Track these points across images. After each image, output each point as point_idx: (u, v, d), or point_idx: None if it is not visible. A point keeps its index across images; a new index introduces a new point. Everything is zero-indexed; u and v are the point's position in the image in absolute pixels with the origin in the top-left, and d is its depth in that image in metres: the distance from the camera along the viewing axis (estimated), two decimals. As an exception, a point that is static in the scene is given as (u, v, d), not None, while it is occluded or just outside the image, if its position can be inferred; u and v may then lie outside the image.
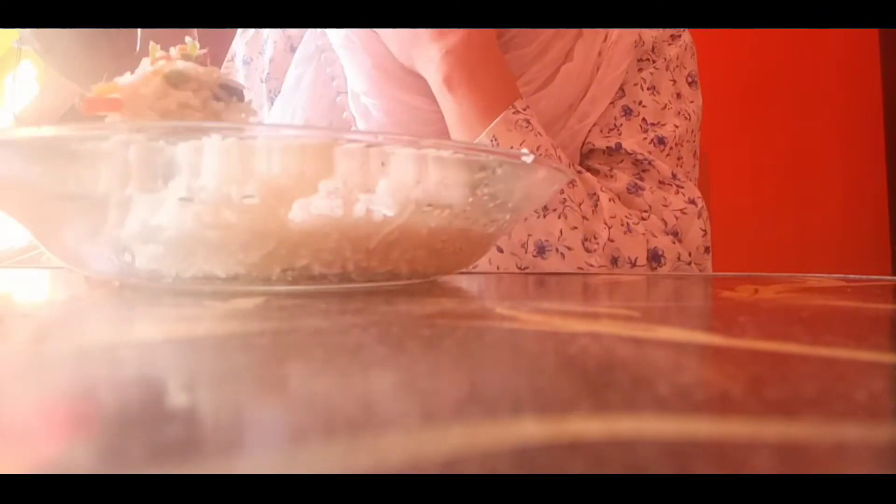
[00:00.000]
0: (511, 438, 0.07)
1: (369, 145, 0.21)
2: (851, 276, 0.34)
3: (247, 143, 0.20)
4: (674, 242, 0.51)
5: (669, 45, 0.59)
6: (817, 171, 1.53)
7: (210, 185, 0.20)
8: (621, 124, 0.56)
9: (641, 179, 0.54)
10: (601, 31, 0.57)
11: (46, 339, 0.14)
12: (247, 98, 0.29)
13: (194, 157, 0.20)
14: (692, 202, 0.53)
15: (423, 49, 0.51)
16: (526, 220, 0.47)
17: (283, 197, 0.20)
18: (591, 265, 0.48)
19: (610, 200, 0.50)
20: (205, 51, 0.29)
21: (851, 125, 1.54)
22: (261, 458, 0.07)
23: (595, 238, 0.48)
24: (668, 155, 0.55)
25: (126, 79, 0.26)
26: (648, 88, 0.57)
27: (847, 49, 1.53)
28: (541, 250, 0.48)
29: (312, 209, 0.21)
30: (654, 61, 0.58)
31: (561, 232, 0.48)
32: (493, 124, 0.48)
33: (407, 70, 0.53)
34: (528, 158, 0.24)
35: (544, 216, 0.48)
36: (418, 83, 0.53)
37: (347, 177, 0.21)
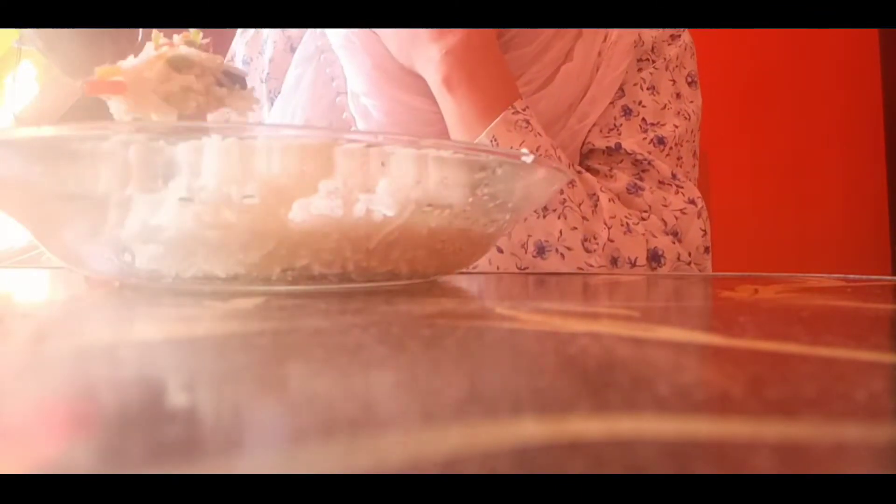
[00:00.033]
0: (511, 438, 0.07)
1: (369, 145, 0.21)
2: (851, 276, 0.34)
3: (247, 143, 0.20)
4: (673, 242, 0.51)
5: (669, 45, 0.59)
6: (817, 171, 1.53)
7: (210, 185, 0.20)
8: (621, 124, 0.56)
9: (641, 179, 0.54)
10: (601, 31, 0.57)
11: (46, 339, 0.14)
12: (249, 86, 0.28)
13: (194, 157, 0.20)
14: (692, 202, 0.53)
15: (423, 49, 0.51)
16: (526, 220, 0.47)
17: (283, 197, 0.20)
18: (591, 265, 0.48)
19: (610, 201, 0.50)
20: (208, 40, 0.29)
21: (851, 125, 1.54)
22: (261, 458, 0.07)
23: (595, 238, 0.48)
24: (667, 155, 0.55)
25: (129, 62, 0.26)
26: (648, 88, 0.57)
27: (847, 49, 1.53)
28: (541, 250, 0.48)
29: (312, 209, 0.21)
30: (653, 61, 0.58)
31: (561, 232, 0.48)
32: (492, 125, 0.48)
33: (406, 70, 0.53)
34: (528, 158, 0.24)
35: (544, 216, 0.48)
36: (418, 84, 0.53)
37: (347, 177, 0.21)
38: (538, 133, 0.49)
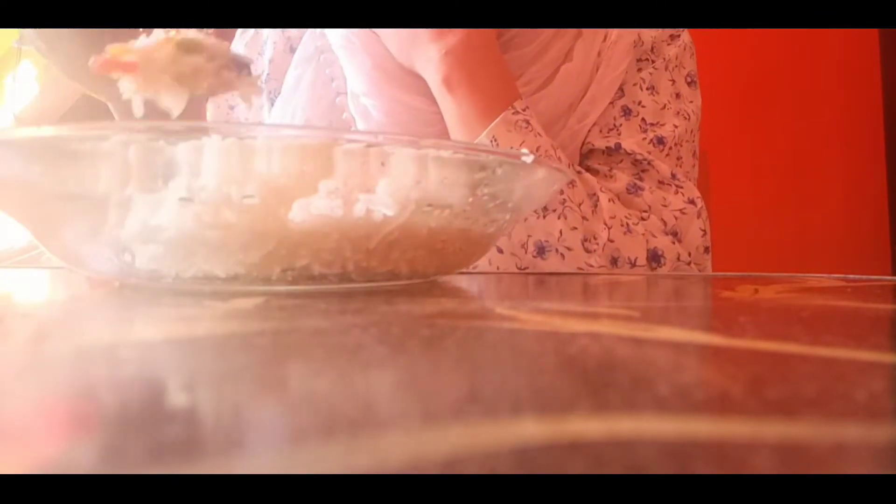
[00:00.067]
0: (511, 438, 0.07)
1: (369, 145, 0.21)
2: (851, 276, 0.34)
3: (247, 143, 0.20)
4: (673, 242, 0.51)
5: (668, 45, 0.59)
6: (817, 171, 1.53)
7: (210, 185, 0.20)
8: (621, 124, 0.56)
9: (641, 179, 0.54)
10: (600, 31, 0.57)
11: (46, 339, 0.14)
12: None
13: (194, 157, 0.20)
14: (692, 202, 0.53)
15: (423, 49, 0.51)
16: (526, 220, 0.47)
17: (283, 197, 0.20)
18: (591, 265, 0.48)
19: (609, 201, 0.50)
20: (212, 30, 0.29)
21: (851, 125, 1.54)
22: (261, 458, 0.07)
23: (595, 238, 0.48)
24: (667, 155, 0.55)
25: (141, 43, 0.27)
26: (648, 88, 0.57)
27: (847, 49, 1.53)
28: (540, 251, 0.48)
29: (312, 209, 0.21)
30: (653, 61, 0.58)
31: (561, 232, 0.48)
32: (492, 125, 0.48)
33: (406, 70, 0.53)
34: (528, 158, 0.24)
35: (544, 217, 0.48)
36: (418, 84, 0.53)
37: (347, 177, 0.21)
38: (538, 133, 0.49)
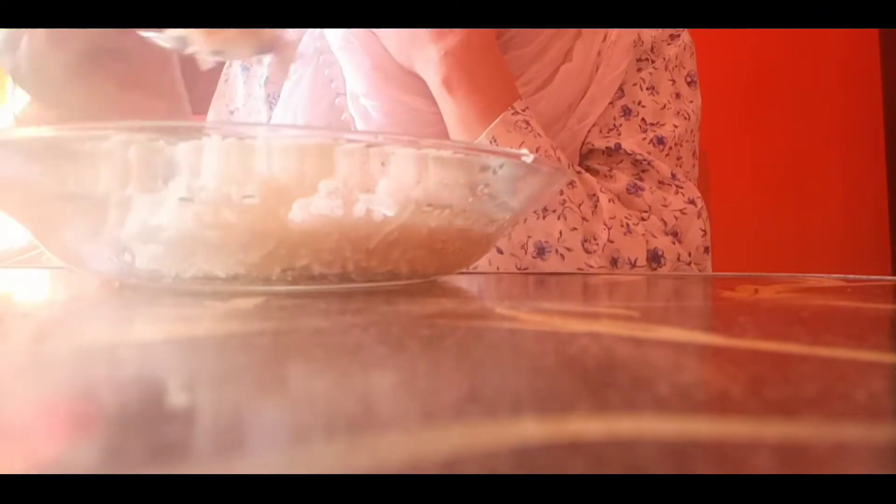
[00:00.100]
0: (511, 438, 0.07)
1: (369, 145, 0.21)
2: (851, 276, 0.34)
3: (247, 143, 0.20)
4: (673, 243, 0.51)
5: (668, 44, 0.59)
6: (817, 171, 1.53)
7: (210, 185, 0.20)
8: (620, 124, 0.56)
9: (641, 180, 0.54)
10: (600, 31, 0.57)
11: (46, 339, 0.14)
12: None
13: (194, 157, 0.20)
14: (692, 202, 0.53)
15: (422, 50, 0.51)
16: (525, 221, 0.47)
17: (283, 197, 0.20)
18: (591, 266, 0.48)
19: (609, 201, 0.50)
20: None
21: (851, 125, 1.54)
22: (261, 458, 0.07)
23: (595, 239, 0.48)
24: (667, 155, 0.55)
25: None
26: (647, 88, 0.57)
27: (847, 49, 1.53)
28: (540, 251, 0.48)
29: (312, 209, 0.21)
30: (653, 61, 0.58)
31: (560, 233, 0.48)
32: (492, 125, 0.48)
33: (406, 71, 0.53)
34: (528, 158, 0.24)
35: (544, 217, 0.48)
36: (417, 84, 0.53)
37: (347, 177, 0.21)
38: (538, 133, 0.49)
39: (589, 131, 0.56)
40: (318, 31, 0.59)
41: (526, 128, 0.49)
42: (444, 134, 0.52)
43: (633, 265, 0.49)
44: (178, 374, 0.11)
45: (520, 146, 0.48)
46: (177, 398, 0.09)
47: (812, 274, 0.36)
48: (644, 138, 0.55)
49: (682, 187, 0.54)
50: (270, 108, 0.61)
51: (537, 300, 0.23)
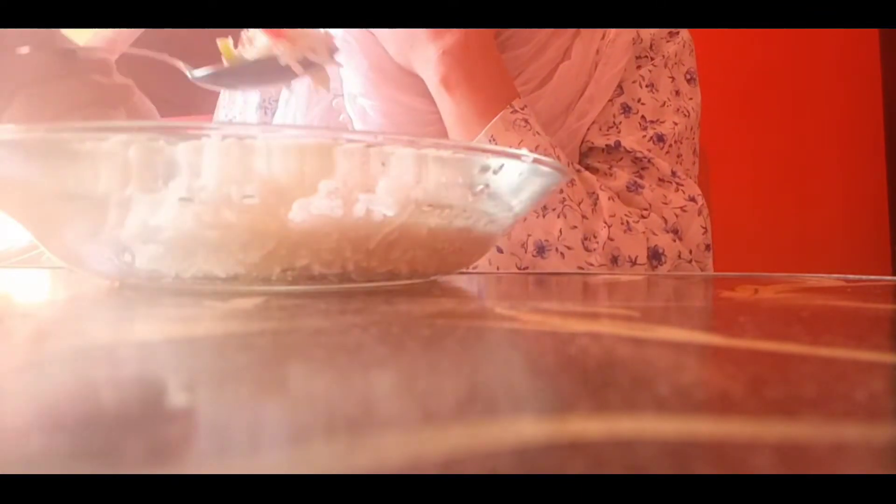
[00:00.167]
0: (511, 438, 0.07)
1: (369, 145, 0.21)
2: (851, 276, 0.34)
3: (247, 143, 0.20)
4: (674, 240, 0.51)
5: (668, 42, 0.59)
6: (817, 171, 1.53)
7: (210, 185, 0.20)
8: (620, 122, 0.56)
9: (641, 177, 0.54)
10: (599, 30, 0.57)
11: (46, 339, 0.14)
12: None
13: (194, 157, 0.20)
14: (692, 199, 0.53)
15: (421, 49, 0.51)
16: (525, 219, 0.47)
17: (283, 197, 0.20)
18: (591, 264, 0.48)
19: (609, 199, 0.50)
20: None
21: (851, 125, 1.54)
22: (261, 458, 0.07)
23: (595, 237, 0.48)
24: (667, 152, 0.55)
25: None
26: (647, 86, 0.57)
27: (847, 49, 1.53)
28: (540, 250, 0.48)
29: (312, 209, 0.21)
30: (652, 59, 0.58)
31: (560, 231, 0.48)
32: (491, 124, 0.48)
33: (404, 71, 0.53)
34: (528, 158, 0.24)
35: (543, 216, 0.48)
36: (416, 84, 0.53)
37: (347, 177, 0.21)
38: (537, 132, 0.49)
39: (588, 129, 0.56)
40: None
41: (525, 126, 0.49)
42: (442, 133, 0.52)
43: (634, 263, 0.49)
44: (177, 374, 0.11)
45: (518, 144, 0.48)
46: (176, 398, 0.09)
47: (812, 274, 0.36)
48: (644, 136, 0.55)
49: (682, 185, 0.54)
50: (265, 113, 0.61)
51: (537, 300, 0.23)
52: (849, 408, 0.08)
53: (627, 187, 0.53)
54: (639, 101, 0.57)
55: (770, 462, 0.06)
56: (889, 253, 1.51)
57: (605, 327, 0.15)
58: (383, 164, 0.21)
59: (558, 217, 0.48)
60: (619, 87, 0.57)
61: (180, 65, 0.42)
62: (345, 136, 0.21)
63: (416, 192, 0.22)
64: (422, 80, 0.52)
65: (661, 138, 0.55)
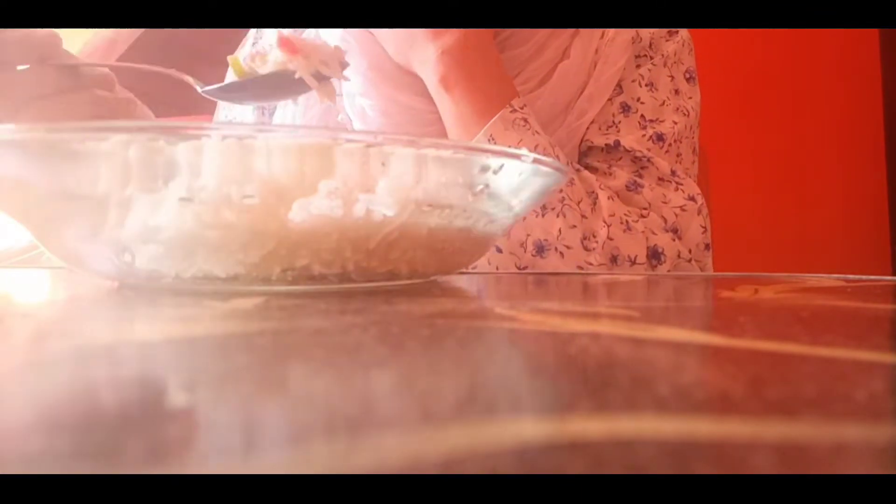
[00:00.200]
0: (511, 438, 0.07)
1: (369, 145, 0.21)
2: (851, 276, 0.34)
3: (247, 143, 0.20)
4: (674, 240, 0.51)
5: (667, 41, 0.59)
6: (817, 170, 1.53)
7: (210, 185, 0.20)
8: (619, 121, 0.56)
9: (640, 177, 0.54)
10: (598, 29, 0.57)
11: (46, 339, 0.14)
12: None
13: (194, 157, 0.20)
14: (692, 199, 0.53)
15: (420, 49, 0.51)
16: (524, 219, 0.47)
17: (283, 197, 0.20)
18: (591, 263, 0.48)
19: (609, 198, 0.50)
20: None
21: (851, 125, 1.54)
22: (261, 458, 0.07)
23: (594, 236, 0.48)
24: (666, 152, 0.55)
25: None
26: (646, 85, 0.57)
27: (847, 49, 1.53)
28: (540, 249, 0.48)
29: (312, 209, 0.21)
30: (651, 58, 0.58)
31: (560, 231, 0.48)
32: (490, 123, 0.48)
33: (403, 70, 0.53)
34: (529, 158, 0.24)
35: (543, 215, 0.48)
36: (415, 83, 0.53)
37: (347, 177, 0.21)
38: (536, 131, 0.49)
39: (588, 128, 0.56)
40: (314, 31, 0.59)
41: (524, 125, 0.49)
42: (441, 133, 0.52)
43: (633, 262, 0.49)
44: (178, 374, 0.11)
45: (518, 144, 0.48)
46: (176, 398, 0.09)
47: (812, 274, 0.36)
48: (643, 135, 0.55)
49: (681, 184, 0.54)
50: (263, 114, 0.61)
51: (537, 300, 0.23)
52: (849, 408, 0.08)
53: (627, 187, 0.53)
54: (638, 100, 0.57)
55: (770, 462, 0.06)
56: (889, 253, 1.51)
57: (605, 327, 0.15)
58: (383, 164, 0.21)
59: (557, 216, 0.48)
60: (619, 86, 0.57)
61: (190, 80, 0.42)
62: (345, 137, 0.21)
63: (416, 192, 0.22)
64: (421, 80, 0.52)
65: (660, 137, 0.55)
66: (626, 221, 0.50)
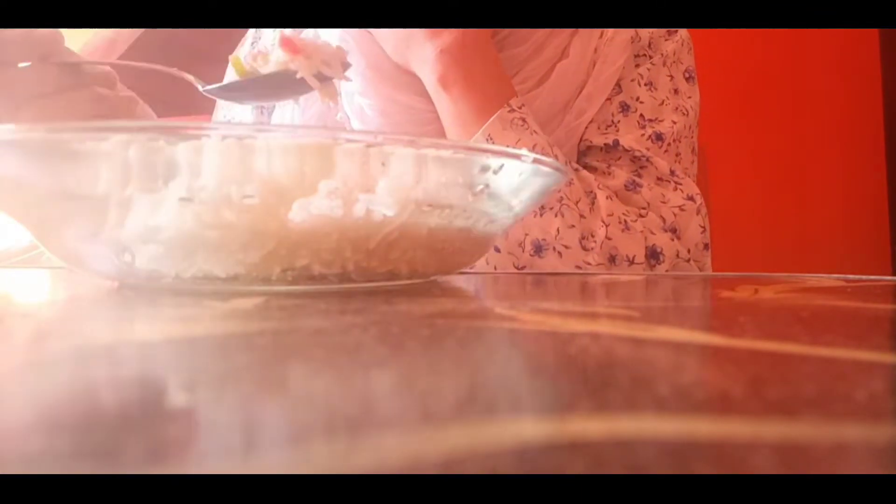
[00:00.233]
0: (511, 438, 0.07)
1: (369, 145, 0.21)
2: (851, 276, 0.34)
3: (247, 143, 0.20)
4: (672, 239, 0.51)
5: (666, 40, 0.59)
6: (817, 170, 1.53)
7: (210, 185, 0.20)
8: (619, 121, 0.56)
9: (639, 176, 0.54)
10: (597, 28, 0.57)
11: (46, 339, 0.14)
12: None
13: (194, 157, 0.20)
14: (691, 199, 0.53)
15: (418, 49, 0.51)
16: (522, 219, 0.47)
17: (283, 197, 0.20)
18: (589, 263, 0.48)
19: (607, 198, 0.50)
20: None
21: (851, 125, 1.54)
22: (261, 458, 0.07)
23: (592, 236, 0.48)
24: (665, 151, 0.55)
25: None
26: (645, 84, 0.57)
27: (847, 49, 1.53)
28: (538, 249, 0.48)
29: (312, 209, 0.21)
30: (650, 57, 0.58)
31: (558, 230, 0.47)
32: (488, 123, 0.48)
33: (402, 70, 0.53)
34: (529, 158, 0.24)
35: (541, 215, 0.48)
36: (413, 83, 0.52)
37: (347, 177, 0.21)
38: (534, 131, 0.49)
39: (587, 128, 0.56)
40: (313, 30, 0.59)
41: (522, 125, 0.49)
42: (440, 132, 0.52)
43: (632, 262, 0.49)
44: (178, 374, 0.11)
45: (516, 143, 0.48)
46: (176, 398, 0.09)
47: (812, 274, 0.36)
48: (642, 134, 0.55)
49: (680, 184, 0.54)
50: (262, 113, 0.61)
51: (537, 300, 0.23)
52: (849, 408, 0.08)
53: (626, 186, 0.53)
54: (637, 99, 0.56)
55: (770, 462, 0.06)
56: (889, 253, 1.51)
57: (604, 327, 0.15)
58: (383, 164, 0.21)
59: (556, 216, 0.48)
60: (618, 85, 0.57)
61: (191, 78, 0.42)
62: (345, 136, 0.21)
63: (416, 192, 0.22)
64: (419, 79, 0.52)
65: (659, 137, 0.55)
66: (625, 221, 0.50)
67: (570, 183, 0.49)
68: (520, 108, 0.50)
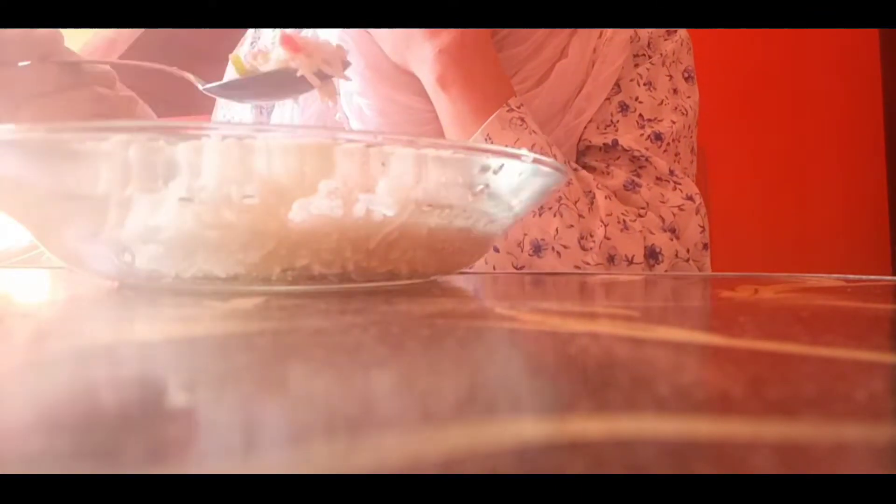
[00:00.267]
0: (511, 438, 0.07)
1: (369, 145, 0.21)
2: (851, 276, 0.34)
3: (247, 143, 0.20)
4: (671, 239, 0.51)
5: (665, 40, 0.59)
6: (817, 170, 1.53)
7: (210, 185, 0.20)
8: (618, 121, 0.56)
9: (638, 176, 0.53)
10: (596, 28, 0.57)
11: (46, 339, 0.14)
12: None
13: (194, 157, 0.20)
14: (690, 198, 0.53)
15: (417, 48, 0.51)
16: (522, 218, 0.47)
17: (283, 197, 0.20)
18: (588, 263, 0.48)
19: (606, 198, 0.50)
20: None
21: (851, 125, 1.54)
22: (261, 458, 0.07)
23: (591, 236, 0.48)
24: (665, 151, 0.55)
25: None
26: (645, 84, 0.57)
27: (847, 49, 1.53)
28: (537, 249, 0.48)
29: (312, 209, 0.21)
30: (650, 57, 0.58)
31: (557, 230, 0.47)
32: (487, 123, 0.48)
33: (401, 70, 0.53)
34: (529, 158, 0.24)
35: (540, 215, 0.48)
36: (412, 83, 0.52)
37: (347, 177, 0.21)
38: (533, 131, 0.49)
39: (586, 128, 0.56)
40: (311, 30, 0.59)
41: (521, 125, 0.49)
42: (438, 132, 0.52)
43: (631, 262, 0.49)
44: (178, 374, 0.11)
45: (515, 143, 0.48)
46: (176, 398, 0.09)
47: (812, 274, 0.36)
48: (641, 134, 0.55)
49: (679, 183, 0.54)
50: (261, 113, 0.61)
51: (536, 300, 0.23)
52: (849, 408, 0.08)
53: (625, 186, 0.53)
54: (636, 99, 0.56)
55: (770, 462, 0.06)
56: (889, 253, 1.51)
57: (604, 327, 0.15)
58: (383, 164, 0.21)
59: (555, 216, 0.48)
60: (617, 85, 0.57)
61: (191, 77, 0.42)
62: (344, 136, 0.21)
63: (416, 192, 0.22)
64: (418, 79, 0.52)
65: (658, 137, 0.55)
66: (624, 221, 0.50)
67: (569, 183, 0.49)
68: (519, 107, 0.50)
